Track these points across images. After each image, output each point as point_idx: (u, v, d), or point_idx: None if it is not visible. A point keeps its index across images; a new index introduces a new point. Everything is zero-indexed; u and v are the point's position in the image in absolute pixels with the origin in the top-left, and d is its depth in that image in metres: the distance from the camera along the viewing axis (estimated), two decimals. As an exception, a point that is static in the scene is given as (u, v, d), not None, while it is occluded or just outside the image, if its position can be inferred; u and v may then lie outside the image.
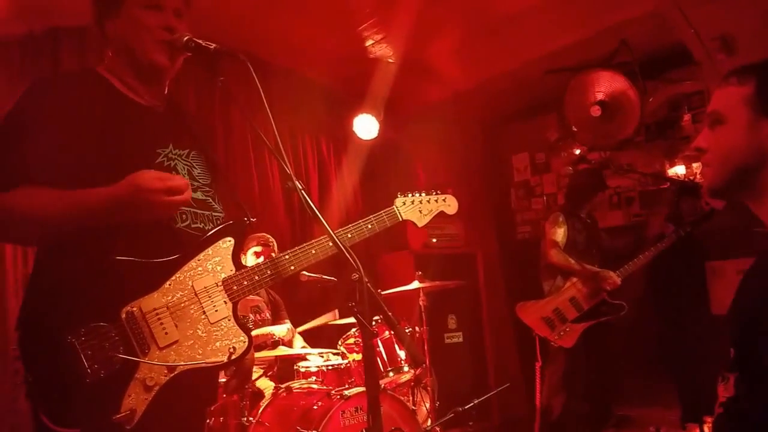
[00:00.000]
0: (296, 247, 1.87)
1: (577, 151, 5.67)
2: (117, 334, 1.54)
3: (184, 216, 1.76)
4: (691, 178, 4.87)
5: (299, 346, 4.10)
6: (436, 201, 2.32)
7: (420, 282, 3.92)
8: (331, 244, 1.79)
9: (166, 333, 1.61)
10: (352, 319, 3.76)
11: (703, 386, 4.11)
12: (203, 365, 1.65)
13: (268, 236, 4.26)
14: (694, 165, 4.97)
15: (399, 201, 2.23)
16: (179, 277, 1.67)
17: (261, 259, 4.08)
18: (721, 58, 4.00)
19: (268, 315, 4.33)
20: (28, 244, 2.84)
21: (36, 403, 1.49)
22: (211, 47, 1.69)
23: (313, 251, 1.87)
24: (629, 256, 4.31)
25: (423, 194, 2.30)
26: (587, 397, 4.40)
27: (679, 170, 5.09)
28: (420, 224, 2.27)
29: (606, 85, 4.46)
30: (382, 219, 2.10)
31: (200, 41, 1.71)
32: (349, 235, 1.97)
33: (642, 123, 4.51)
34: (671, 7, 3.96)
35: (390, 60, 4.97)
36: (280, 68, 4.99)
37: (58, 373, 1.47)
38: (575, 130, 4.72)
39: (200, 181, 1.86)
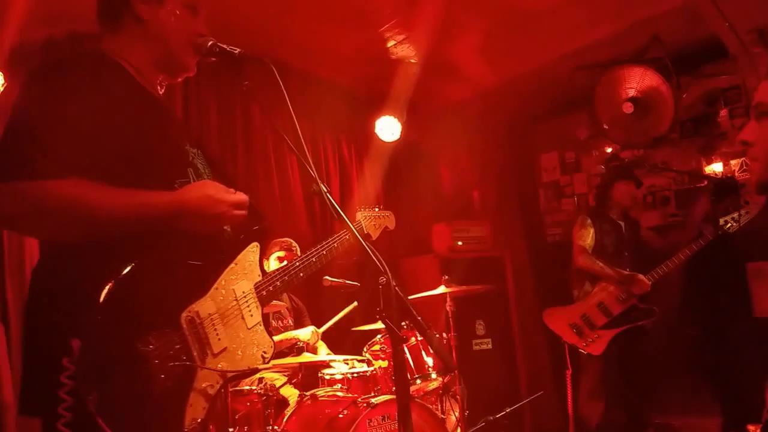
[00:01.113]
0: (317, 246, 1.99)
1: (609, 150, 5.62)
2: (179, 341, 1.51)
3: None
4: (729, 175, 4.80)
5: (324, 353, 4.10)
6: (382, 217, 2.62)
7: (446, 287, 3.90)
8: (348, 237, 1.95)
9: (219, 339, 1.62)
10: (377, 325, 3.76)
11: (746, 393, 4.04)
12: (246, 371, 1.69)
13: (291, 240, 4.29)
14: (732, 162, 4.89)
15: (360, 215, 2.53)
16: (222, 281, 1.68)
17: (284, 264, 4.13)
18: (758, 51, 3.94)
19: (290, 321, 4.35)
20: (55, 238, 2.67)
21: (103, 420, 1.34)
22: (236, 51, 1.72)
23: (335, 244, 2.02)
24: (664, 258, 4.26)
25: (375, 209, 2.61)
26: (623, 406, 4.34)
27: (716, 167, 5.01)
28: (374, 237, 2.53)
29: (638, 81, 4.42)
30: (357, 229, 2.25)
31: (225, 46, 1.74)
32: (335, 245, 2.06)
33: (676, 119, 4.46)
34: (704, 1, 3.90)
35: (412, 60, 4.97)
36: (300, 71, 5.01)
37: (128, 386, 1.39)
38: (606, 127, 4.68)
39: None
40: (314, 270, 1.95)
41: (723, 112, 4.98)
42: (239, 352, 1.67)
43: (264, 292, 1.78)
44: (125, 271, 1.43)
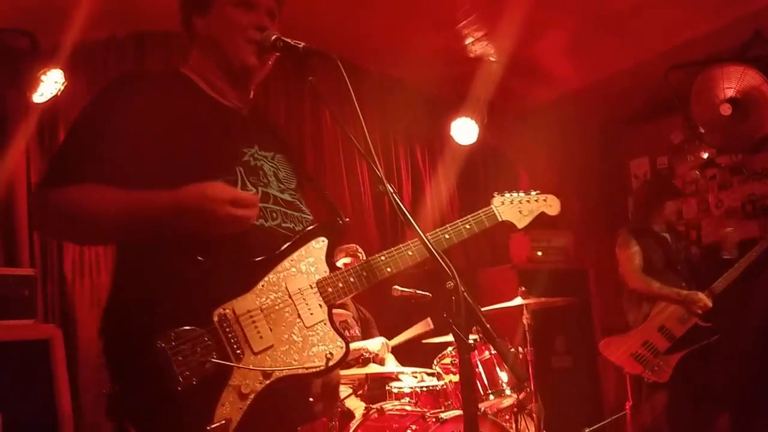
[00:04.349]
0: (392, 248, 1.85)
1: (705, 155, 5.42)
2: (210, 338, 1.54)
3: (274, 215, 1.78)
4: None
5: (392, 365, 4.10)
6: (537, 201, 2.25)
7: (524, 298, 3.84)
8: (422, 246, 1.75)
9: (261, 337, 1.61)
10: (448, 338, 3.73)
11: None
12: (300, 371, 1.64)
13: (356, 246, 4.32)
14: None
15: (497, 200, 2.17)
16: (272, 278, 1.68)
17: (350, 270, 4.16)
18: None
19: (357, 332, 4.36)
20: (83, 243, 2.91)
21: (124, 414, 1.49)
22: (300, 46, 1.72)
23: (410, 252, 1.85)
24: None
25: (522, 193, 2.25)
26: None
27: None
28: (520, 226, 2.21)
29: (737, 80, 4.27)
30: (480, 219, 2.05)
31: (289, 40, 1.75)
32: (447, 236, 1.93)
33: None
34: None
35: (492, 59, 4.94)
36: (372, 71, 5.09)
37: (148, 381, 1.47)
38: (703, 131, 4.54)
39: (286, 184, 1.88)
40: (387, 275, 1.84)
41: None
42: (292, 352, 1.65)
43: (330, 289, 1.75)
44: (147, 270, 1.58)
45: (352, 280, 1.79)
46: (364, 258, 4.20)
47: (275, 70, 1.91)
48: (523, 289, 3.90)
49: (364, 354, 3.91)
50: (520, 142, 5.60)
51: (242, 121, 1.86)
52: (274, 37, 1.76)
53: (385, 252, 1.85)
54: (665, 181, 4.53)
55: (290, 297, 1.69)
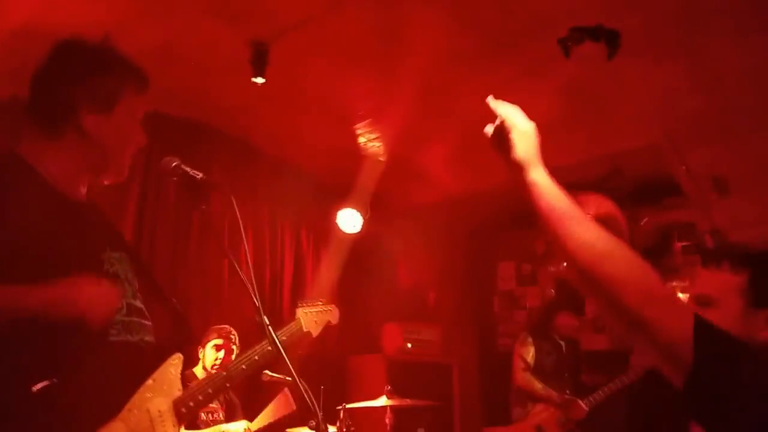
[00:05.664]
0: (242, 354, 2.05)
1: (565, 264, 5.86)
2: None
3: (137, 327, 1.76)
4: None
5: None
6: (324, 311, 2.58)
7: (389, 398, 3.98)
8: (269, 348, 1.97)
9: None
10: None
11: None
12: None
13: (230, 328, 4.26)
14: (681, 296, 5.16)
15: (300, 311, 2.48)
16: (136, 400, 1.68)
17: (221, 353, 4.13)
18: (713, 197, 4.29)
19: (221, 415, 4.30)
20: None
21: None
22: (198, 176, 1.76)
23: (256, 357, 2.04)
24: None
25: (317, 303, 2.56)
26: None
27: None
28: (315, 334, 2.50)
29: (595, 207, 4.68)
30: (292, 331, 2.34)
31: (188, 169, 1.78)
32: (269, 348, 2.04)
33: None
34: (667, 143, 4.27)
35: (381, 159, 5.22)
36: (266, 152, 5.24)
37: None
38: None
39: (134, 286, 1.83)
40: (234, 383, 2.03)
41: (677, 246, 5.31)
42: None
43: (183, 409, 1.77)
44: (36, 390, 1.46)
45: (201, 398, 1.88)
46: (237, 339, 4.23)
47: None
48: (389, 387, 4.04)
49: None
50: (401, 237, 5.85)
51: (90, 220, 1.81)
52: (174, 164, 1.79)
53: (231, 362, 2.05)
54: (564, 296, 4.87)
55: (151, 421, 1.69)
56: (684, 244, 5.24)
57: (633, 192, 4.69)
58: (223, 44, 3.82)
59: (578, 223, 1.34)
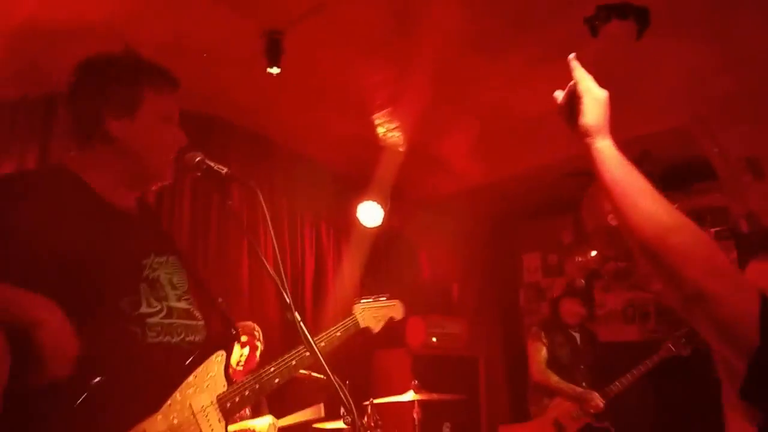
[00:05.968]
0: (279, 359, 1.97)
1: (593, 253, 5.75)
2: None
3: (178, 330, 1.77)
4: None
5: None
6: (386, 306, 2.54)
7: (416, 392, 3.92)
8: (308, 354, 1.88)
9: None
10: (338, 424, 3.75)
11: None
12: None
13: (253, 324, 4.27)
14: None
15: (357, 308, 2.43)
16: (178, 396, 1.69)
17: (246, 350, 4.11)
18: (747, 180, 4.14)
19: (247, 411, 4.28)
20: None
21: None
22: (223, 171, 1.76)
23: (293, 362, 1.97)
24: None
25: (374, 300, 2.51)
26: None
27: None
28: (376, 330, 2.45)
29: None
30: (347, 327, 2.28)
31: (212, 164, 1.78)
32: (323, 344, 2.08)
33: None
34: (698, 125, 4.12)
35: (401, 149, 5.13)
36: (282, 146, 5.17)
37: None
38: (591, 236, 4.82)
39: (180, 289, 1.85)
40: (284, 380, 1.95)
41: (711, 232, 5.15)
42: None
43: (228, 404, 1.78)
44: (41, 405, 1.46)
45: (247, 393, 1.86)
46: (261, 335, 4.19)
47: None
48: (416, 382, 3.99)
49: (253, 434, 3.85)
50: (423, 229, 5.78)
51: (136, 227, 1.83)
52: (198, 159, 1.79)
53: (274, 363, 1.95)
54: (569, 284, 4.81)
55: (194, 415, 1.71)
56: (717, 229, 5.09)
57: (665, 177, 4.55)
58: (235, 35, 3.74)
59: (644, 195, 1.31)
